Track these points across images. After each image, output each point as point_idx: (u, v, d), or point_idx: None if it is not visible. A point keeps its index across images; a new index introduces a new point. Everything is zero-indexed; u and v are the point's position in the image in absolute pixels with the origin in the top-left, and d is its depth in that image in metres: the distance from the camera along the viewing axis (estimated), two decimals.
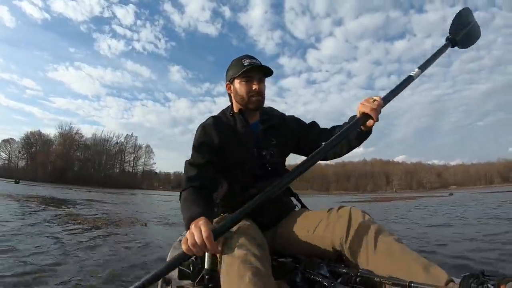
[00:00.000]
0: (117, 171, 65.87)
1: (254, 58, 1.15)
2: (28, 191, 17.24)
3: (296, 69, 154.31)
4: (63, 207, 9.48)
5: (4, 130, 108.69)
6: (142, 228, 6.16)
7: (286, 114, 1.29)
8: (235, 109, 1.18)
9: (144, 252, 3.79)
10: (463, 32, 1.24)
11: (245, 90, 1.12)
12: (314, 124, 1.24)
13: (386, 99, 0.96)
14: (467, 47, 1.31)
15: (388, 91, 1.03)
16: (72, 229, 5.12)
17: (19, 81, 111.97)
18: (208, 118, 1.19)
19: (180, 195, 1.02)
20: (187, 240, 0.77)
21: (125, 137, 68.87)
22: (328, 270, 0.86)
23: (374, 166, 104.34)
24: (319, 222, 0.96)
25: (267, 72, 1.14)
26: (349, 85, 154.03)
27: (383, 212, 10.87)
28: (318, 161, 0.88)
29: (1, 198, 10.61)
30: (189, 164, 1.08)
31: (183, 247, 0.77)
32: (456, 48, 1.26)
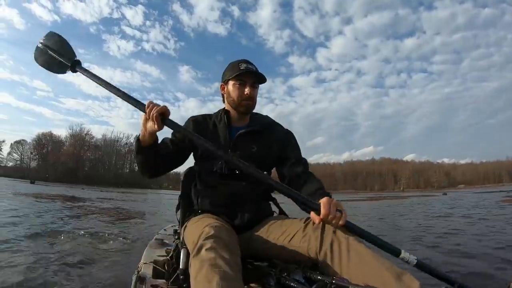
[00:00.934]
0: (127, 171, 66.31)
1: (251, 63, 1.16)
2: (47, 191, 18.02)
3: (305, 68, 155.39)
4: (86, 202, 11.03)
5: (14, 131, 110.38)
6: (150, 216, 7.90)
7: (285, 128, 1.27)
8: (227, 109, 1.21)
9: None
10: None
11: (237, 93, 1.14)
12: (297, 159, 1.19)
13: (348, 226, 0.88)
14: None
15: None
16: (101, 218, 6.55)
17: (29, 82, 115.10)
18: (199, 114, 1.26)
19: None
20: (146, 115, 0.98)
21: (134, 138, 69.27)
22: (303, 276, 0.86)
23: (382, 165, 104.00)
24: (296, 232, 0.96)
25: (261, 79, 1.16)
26: (358, 84, 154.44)
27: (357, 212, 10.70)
28: (277, 190, 0.97)
29: (33, 197, 11.50)
30: (165, 137, 1.18)
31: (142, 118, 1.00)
32: None
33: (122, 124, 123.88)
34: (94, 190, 26.03)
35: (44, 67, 1.23)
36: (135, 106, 1.02)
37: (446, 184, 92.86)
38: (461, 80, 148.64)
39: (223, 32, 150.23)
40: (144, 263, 1.19)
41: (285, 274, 0.88)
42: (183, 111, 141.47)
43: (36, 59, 1.24)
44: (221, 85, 1.22)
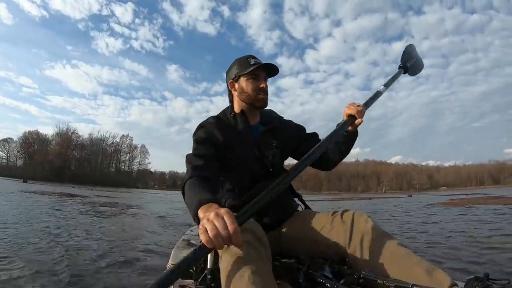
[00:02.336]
0: (113, 170, 67.52)
1: (257, 58, 1.17)
2: (42, 188, 20.09)
3: (294, 69, 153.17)
4: (84, 199, 13.59)
5: None
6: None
7: (284, 118, 1.29)
8: (236, 109, 1.18)
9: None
10: (410, 63, 1.47)
11: (252, 87, 1.12)
12: (315, 134, 1.28)
13: (366, 105, 1.12)
14: (414, 75, 1.56)
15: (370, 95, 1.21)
16: (98, 210, 9.02)
17: (15, 78, 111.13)
18: (209, 118, 1.18)
19: (183, 188, 0.95)
20: (207, 230, 0.64)
21: (121, 137, 70.46)
22: (331, 271, 0.86)
23: (367, 167, 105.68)
24: (323, 226, 0.97)
25: (271, 72, 1.17)
26: (346, 86, 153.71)
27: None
28: (312, 161, 0.90)
29: (35, 194, 13.65)
30: (193, 155, 1.04)
31: (203, 238, 0.64)
32: (407, 74, 1.48)
33: (109, 122, 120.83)
34: (85, 189, 27.51)
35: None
36: (200, 258, 0.73)
37: (428, 186, 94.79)
38: (448, 84, 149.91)
39: (213, 32, 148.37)
40: (172, 263, 1.18)
41: (313, 269, 0.88)
42: (171, 110, 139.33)
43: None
44: (230, 82, 1.18)
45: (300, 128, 1.28)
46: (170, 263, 1.22)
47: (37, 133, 64.10)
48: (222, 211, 0.68)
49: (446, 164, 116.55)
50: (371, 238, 0.85)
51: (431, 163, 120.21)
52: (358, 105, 1.07)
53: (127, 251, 3.52)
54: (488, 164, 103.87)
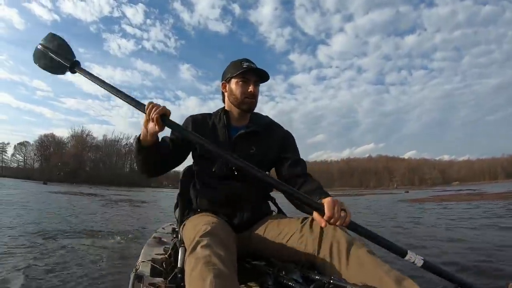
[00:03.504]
0: (127, 170, 68.02)
1: (252, 62, 1.17)
2: (64, 189, 20.91)
3: (306, 65, 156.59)
4: (105, 197, 15.38)
5: (14, 131, 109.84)
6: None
7: (285, 129, 1.27)
8: (227, 108, 1.21)
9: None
10: None
11: (241, 91, 1.14)
12: (297, 161, 1.19)
13: (352, 227, 0.86)
14: None
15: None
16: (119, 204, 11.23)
17: (29, 82, 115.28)
18: (199, 114, 1.25)
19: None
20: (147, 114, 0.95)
21: (134, 138, 71.13)
22: (301, 275, 0.85)
23: (379, 162, 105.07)
24: (294, 231, 0.97)
25: (264, 77, 1.17)
26: (359, 81, 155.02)
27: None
28: (278, 189, 0.92)
29: (61, 194, 15.07)
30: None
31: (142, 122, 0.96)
32: None
33: (123, 123, 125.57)
34: (102, 189, 28.49)
35: (43, 69, 1.25)
36: (135, 107, 1.01)
37: (440, 181, 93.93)
38: (461, 77, 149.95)
39: (224, 30, 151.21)
40: (142, 261, 1.19)
41: (283, 273, 0.87)
42: (184, 109, 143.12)
43: (35, 60, 1.26)
44: (222, 83, 1.22)
45: (287, 140, 1.24)
46: (140, 261, 1.22)
47: (52, 136, 65.03)
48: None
49: (461, 159, 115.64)
50: (340, 246, 0.85)
51: (446, 157, 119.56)
52: (342, 213, 0.84)
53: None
54: (502, 158, 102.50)
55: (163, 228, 2.10)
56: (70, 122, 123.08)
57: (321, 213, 0.84)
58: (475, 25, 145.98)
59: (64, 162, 57.25)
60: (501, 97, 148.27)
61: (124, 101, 1.05)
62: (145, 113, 0.96)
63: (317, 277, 0.82)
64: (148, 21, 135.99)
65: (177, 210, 1.27)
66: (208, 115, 1.25)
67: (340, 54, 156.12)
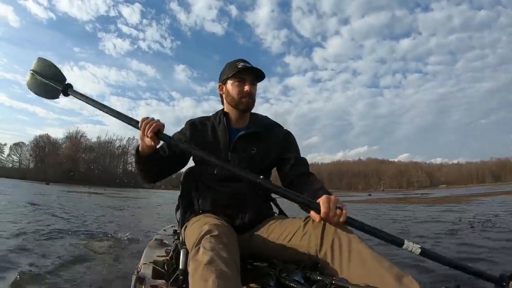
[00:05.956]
0: (120, 171, 69.53)
1: (248, 62, 1.17)
2: (67, 189, 22.27)
3: (301, 67, 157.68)
4: (108, 195, 17.72)
5: (7, 130, 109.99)
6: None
7: (284, 128, 1.27)
8: (226, 110, 1.22)
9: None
10: None
11: (237, 91, 1.15)
12: (300, 160, 1.20)
13: (348, 222, 0.89)
14: None
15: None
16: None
17: (23, 81, 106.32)
18: (198, 117, 1.27)
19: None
20: (142, 123, 0.99)
21: (127, 140, 72.80)
22: (303, 276, 0.86)
23: (368, 165, 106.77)
24: (296, 231, 0.97)
25: (260, 76, 1.18)
26: (353, 84, 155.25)
27: None
28: (278, 194, 0.96)
29: (70, 193, 16.75)
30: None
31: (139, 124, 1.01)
32: None
33: (117, 123, 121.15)
34: (100, 189, 29.22)
35: (37, 95, 1.25)
36: (129, 124, 1.04)
37: (428, 184, 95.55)
38: (455, 81, 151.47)
39: (220, 32, 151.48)
40: (144, 263, 1.19)
41: (285, 274, 0.88)
42: (178, 110, 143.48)
43: (30, 87, 1.26)
44: (219, 85, 1.23)
45: (287, 139, 1.25)
46: (141, 263, 1.22)
47: (48, 136, 66.66)
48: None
49: (455, 161, 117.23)
50: (341, 243, 0.85)
51: (439, 160, 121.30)
52: (338, 209, 0.88)
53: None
54: (490, 161, 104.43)
55: (164, 230, 2.10)
56: (64, 122, 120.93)
57: (318, 211, 0.88)
58: (470, 29, 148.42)
59: (58, 163, 58.73)
60: (494, 101, 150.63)
61: (118, 119, 1.10)
62: (139, 129, 1.01)
63: (318, 277, 0.82)
64: (145, 21, 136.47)
65: (179, 211, 1.25)
66: (207, 118, 1.26)
67: (335, 57, 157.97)
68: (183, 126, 1.26)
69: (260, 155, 1.18)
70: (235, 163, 1.13)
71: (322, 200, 0.89)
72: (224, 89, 1.22)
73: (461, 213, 7.87)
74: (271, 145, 1.21)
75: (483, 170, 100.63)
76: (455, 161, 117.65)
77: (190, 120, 1.27)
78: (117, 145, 71.99)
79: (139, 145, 1.07)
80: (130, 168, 71.86)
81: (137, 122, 1.04)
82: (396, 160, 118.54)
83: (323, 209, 0.87)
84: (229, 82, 1.18)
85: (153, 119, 1.02)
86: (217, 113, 1.26)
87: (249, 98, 1.16)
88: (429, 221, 6.37)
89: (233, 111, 1.21)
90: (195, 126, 1.23)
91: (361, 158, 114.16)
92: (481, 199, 14.17)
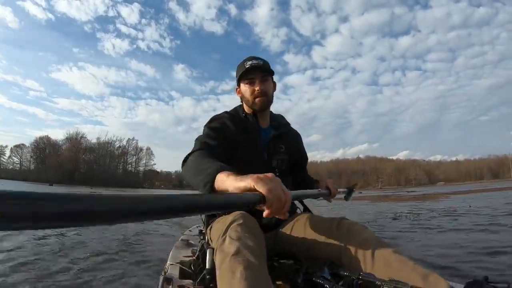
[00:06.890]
0: (120, 171, 70.35)
1: (257, 58, 1.16)
2: (71, 190, 22.39)
3: (301, 66, 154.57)
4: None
5: (7, 132, 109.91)
6: None
7: (291, 124, 1.35)
8: (247, 111, 1.21)
9: None
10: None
11: (249, 92, 1.15)
12: (305, 165, 1.35)
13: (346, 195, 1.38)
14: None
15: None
16: None
17: (22, 82, 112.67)
18: (223, 112, 1.22)
19: (186, 158, 0.96)
20: (267, 183, 0.59)
21: (127, 141, 73.65)
22: (329, 273, 0.85)
23: (367, 163, 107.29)
24: (321, 231, 0.98)
25: (268, 70, 1.15)
26: (353, 82, 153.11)
27: None
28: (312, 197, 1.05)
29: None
30: (205, 136, 1.06)
31: (263, 189, 0.58)
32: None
33: (116, 123, 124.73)
34: (101, 189, 29.96)
35: None
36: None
37: (426, 181, 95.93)
38: (455, 78, 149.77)
39: (220, 31, 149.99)
40: (171, 264, 1.20)
41: (312, 271, 0.88)
42: (178, 110, 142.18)
43: None
44: (237, 89, 1.22)
45: (300, 142, 1.37)
46: (168, 263, 1.23)
47: (48, 138, 67.52)
48: (269, 174, 0.63)
49: (454, 158, 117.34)
50: (367, 245, 0.85)
51: (438, 157, 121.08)
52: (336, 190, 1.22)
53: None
54: (488, 158, 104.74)
55: (190, 230, 2.11)
56: (63, 123, 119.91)
57: (329, 193, 1.17)
58: (469, 26, 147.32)
59: (59, 164, 59.42)
60: (494, 98, 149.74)
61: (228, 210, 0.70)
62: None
63: (346, 273, 0.82)
64: (143, 20, 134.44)
65: None
66: (232, 114, 1.21)
67: (335, 55, 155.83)
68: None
69: (287, 153, 1.23)
70: (274, 164, 1.18)
71: (327, 184, 1.20)
72: (240, 92, 1.22)
73: (412, 208, 9.23)
74: (294, 147, 1.29)
75: (482, 168, 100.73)
76: (454, 158, 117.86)
77: (221, 114, 1.21)
78: (117, 145, 72.92)
79: (218, 172, 0.75)
80: (129, 169, 72.83)
81: (258, 196, 0.59)
82: (395, 157, 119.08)
83: (333, 190, 1.18)
84: (242, 84, 1.19)
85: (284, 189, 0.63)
86: (237, 110, 1.24)
87: (262, 96, 1.15)
88: (373, 214, 8.09)
89: (255, 111, 1.20)
90: (232, 120, 1.17)
91: (360, 156, 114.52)
92: (452, 197, 14.78)
